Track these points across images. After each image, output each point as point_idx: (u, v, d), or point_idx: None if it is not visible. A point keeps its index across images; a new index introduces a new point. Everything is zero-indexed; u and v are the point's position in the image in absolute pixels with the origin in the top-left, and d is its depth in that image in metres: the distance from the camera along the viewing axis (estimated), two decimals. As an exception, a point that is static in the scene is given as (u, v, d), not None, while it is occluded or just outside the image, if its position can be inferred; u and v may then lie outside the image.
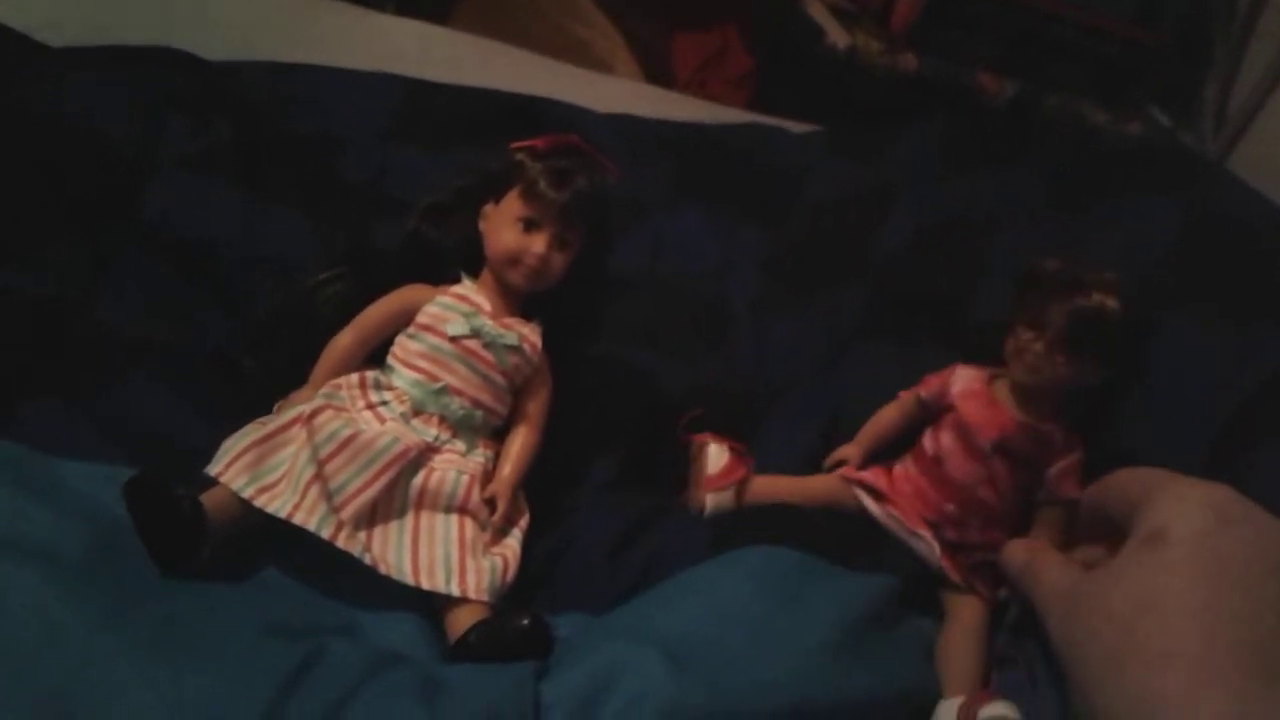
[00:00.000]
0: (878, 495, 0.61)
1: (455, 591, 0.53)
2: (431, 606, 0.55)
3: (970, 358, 0.64)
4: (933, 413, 0.62)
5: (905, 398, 0.64)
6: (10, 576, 0.46)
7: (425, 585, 0.53)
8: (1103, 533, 0.52)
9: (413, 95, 0.79)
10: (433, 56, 0.97)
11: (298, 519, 0.52)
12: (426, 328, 0.59)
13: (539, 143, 0.60)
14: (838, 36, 1.25)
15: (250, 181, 0.67)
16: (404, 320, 0.60)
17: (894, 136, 0.87)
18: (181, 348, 0.60)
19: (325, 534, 0.52)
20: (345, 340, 0.60)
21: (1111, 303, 0.56)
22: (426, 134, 0.76)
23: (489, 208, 0.61)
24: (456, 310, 0.59)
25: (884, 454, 0.64)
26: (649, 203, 0.78)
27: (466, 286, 0.61)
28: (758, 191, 0.83)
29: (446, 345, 0.59)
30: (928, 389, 0.62)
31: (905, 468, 0.62)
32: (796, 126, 0.97)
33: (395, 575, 0.53)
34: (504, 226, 0.60)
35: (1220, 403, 0.63)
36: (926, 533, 0.58)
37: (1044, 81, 1.23)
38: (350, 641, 0.51)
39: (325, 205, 0.68)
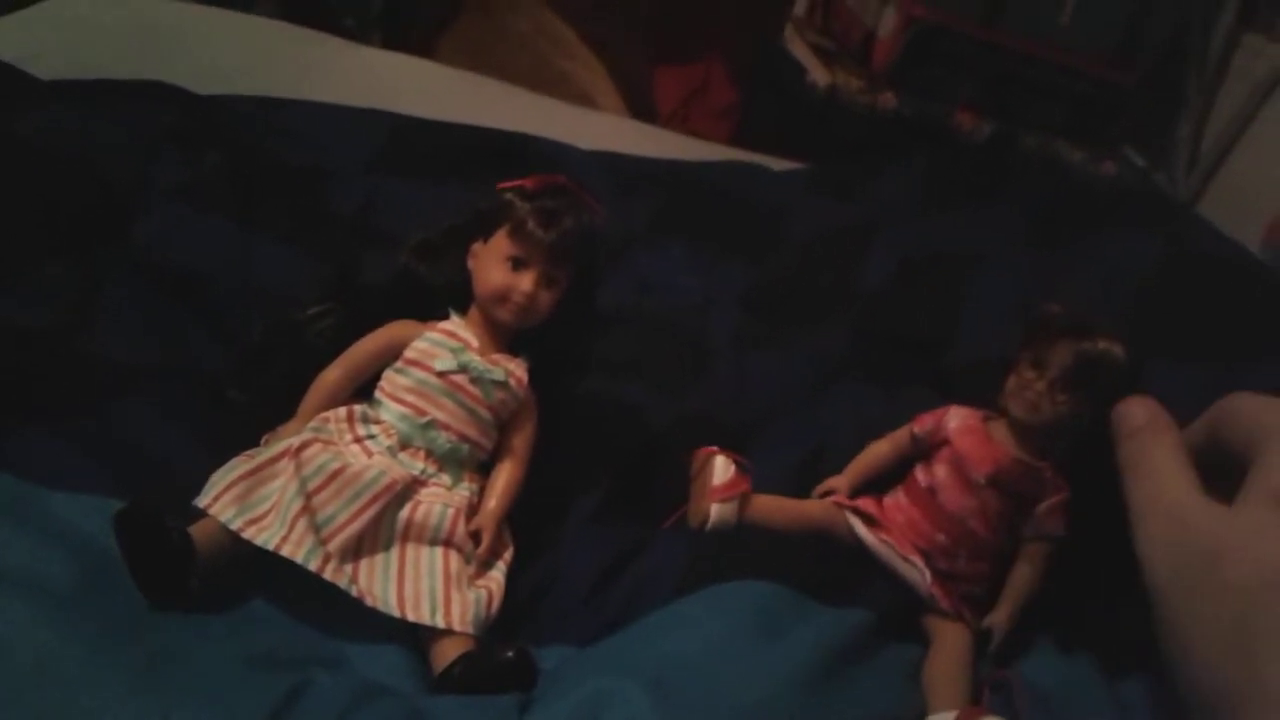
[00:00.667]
0: (870, 521, 0.61)
1: (440, 624, 0.54)
2: (417, 639, 0.55)
3: (953, 398, 0.65)
4: (925, 448, 0.63)
5: (898, 433, 0.64)
6: (3, 610, 0.46)
7: (410, 617, 0.54)
8: (1215, 461, 0.48)
9: (400, 130, 0.80)
10: (418, 90, 0.98)
11: (285, 551, 0.52)
12: (414, 363, 0.60)
13: (527, 183, 0.61)
14: (819, 75, 1.27)
15: (241, 212, 0.67)
16: (392, 355, 0.61)
17: (875, 173, 0.88)
18: (173, 376, 0.60)
19: (313, 566, 0.52)
20: (333, 375, 0.60)
21: (1116, 349, 0.57)
22: (414, 168, 0.76)
23: (478, 246, 0.62)
24: (444, 346, 0.60)
25: (870, 488, 0.65)
26: (633, 239, 0.79)
27: (454, 323, 0.62)
28: (739, 228, 0.83)
29: (434, 380, 0.59)
30: (921, 425, 0.63)
31: (896, 499, 0.63)
32: (777, 163, 0.98)
33: (381, 607, 0.53)
34: (492, 265, 0.60)
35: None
36: (918, 559, 0.59)
37: (1020, 120, 1.25)
38: (337, 673, 0.51)
39: (315, 236, 0.68)
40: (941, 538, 0.60)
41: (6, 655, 0.44)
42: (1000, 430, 0.61)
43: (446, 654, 0.53)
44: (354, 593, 0.53)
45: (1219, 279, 0.72)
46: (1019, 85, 1.26)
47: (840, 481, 0.64)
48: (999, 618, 0.59)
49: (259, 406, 0.60)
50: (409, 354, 0.60)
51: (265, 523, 0.53)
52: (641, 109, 1.50)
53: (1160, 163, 1.28)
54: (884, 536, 0.60)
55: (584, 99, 1.37)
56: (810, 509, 0.63)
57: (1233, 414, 0.48)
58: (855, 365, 0.73)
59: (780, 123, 1.40)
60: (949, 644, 0.58)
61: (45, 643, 0.45)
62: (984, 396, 0.64)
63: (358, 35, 1.40)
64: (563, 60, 1.41)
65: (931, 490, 0.61)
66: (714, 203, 0.85)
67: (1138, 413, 0.52)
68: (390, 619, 0.53)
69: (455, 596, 0.55)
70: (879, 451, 0.65)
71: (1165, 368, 0.63)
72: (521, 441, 0.62)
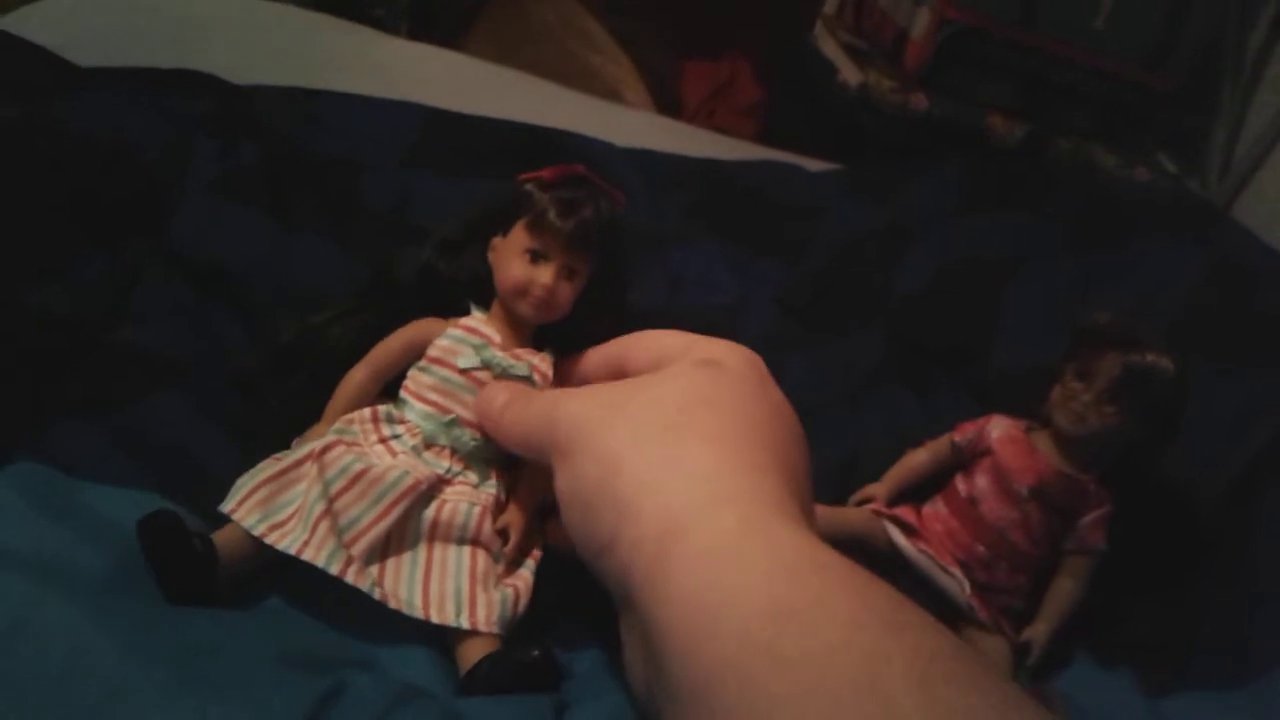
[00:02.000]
0: (909, 531, 0.61)
1: (465, 624, 0.53)
2: (445, 640, 0.54)
3: (990, 406, 0.64)
4: (965, 458, 0.62)
5: (938, 441, 0.64)
6: (36, 599, 0.45)
7: (435, 619, 0.53)
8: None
9: (434, 123, 0.79)
10: (448, 82, 0.97)
11: (307, 555, 0.52)
12: (437, 360, 0.59)
13: (545, 173, 0.60)
14: (850, 74, 1.26)
15: (277, 207, 0.67)
16: (416, 354, 0.60)
17: (911, 177, 0.87)
18: (209, 371, 0.59)
19: (334, 570, 0.52)
20: (359, 375, 0.59)
21: (1165, 363, 0.56)
22: (448, 162, 0.76)
23: (498, 240, 0.61)
24: (467, 343, 0.59)
25: (907, 497, 0.64)
26: (667, 237, 0.78)
27: (476, 319, 0.61)
28: (774, 228, 0.83)
29: (457, 377, 0.58)
30: (962, 434, 0.63)
31: (935, 508, 0.62)
32: (812, 164, 0.97)
33: (405, 610, 0.53)
34: (512, 258, 0.59)
35: (1237, 451, 0.64)
36: (957, 570, 0.59)
37: (1053, 124, 1.24)
38: (370, 675, 0.50)
39: (350, 231, 0.67)
40: (981, 549, 0.59)
41: (44, 648, 0.44)
42: (1044, 441, 0.60)
43: (473, 654, 0.52)
44: (377, 595, 0.52)
45: (1262, 288, 0.71)
46: (1052, 88, 1.25)
47: (879, 489, 0.64)
48: (1038, 631, 0.58)
49: (290, 407, 0.59)
50: (432, 352, 0.59)
51: (288, 527, 0.53)
52: (668, 104, 1.49)
53: (1193, 169, 1.27)
54: (922, 546, 0.60)
55: (610, 93, 1.36)
56: (848, 516, 0.62)
57: (638, 340, 0.51)
58: (891, 371, 0.72)
59: (808, 121, 1.39)
60: (988, 657, 0.57)
61: (82, 635, 0.44)
62: (1022, 405, 0.63)
63: (386, 25, 1.39)
64: (589, 54, 1.41)
65: (972, 500, 0.60)
66: (749, 202, 0.85)
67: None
68: (418, 621, 0.53)
69: (481, 596, 0.54)
70: (918, 460, 0.64)
71: (1210, 378, 0.63)
72: None
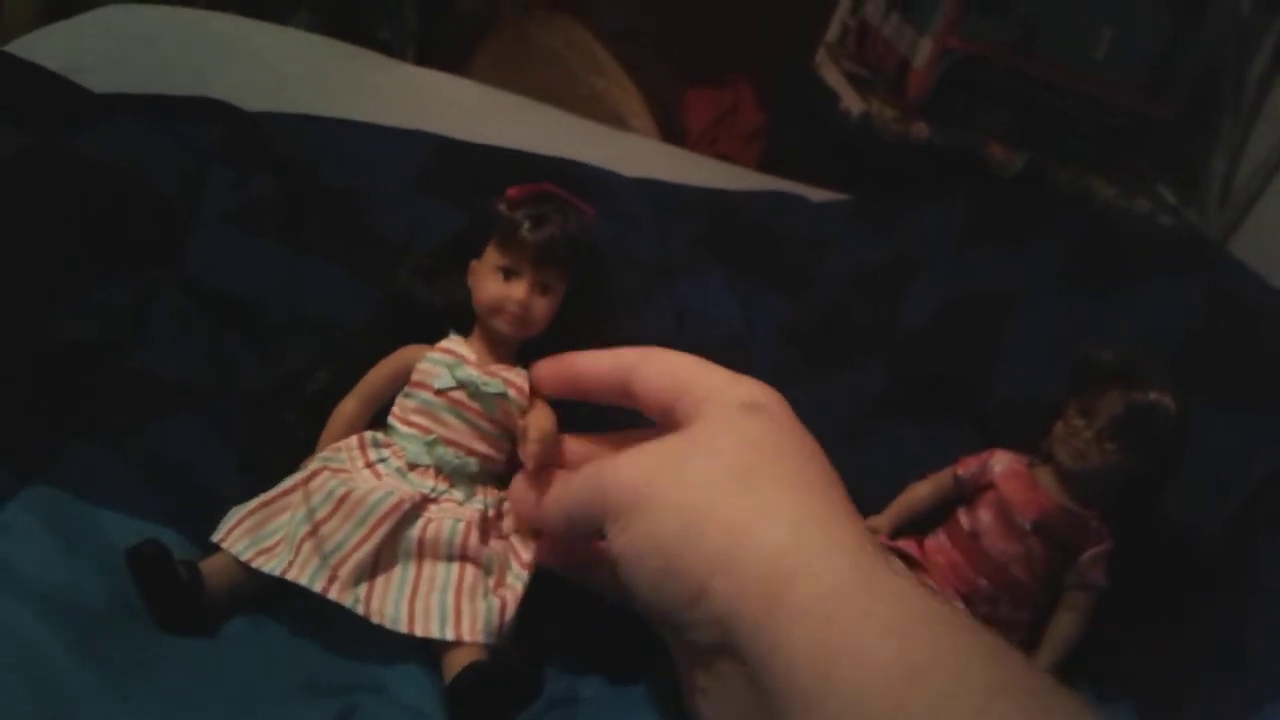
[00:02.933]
0: (912, 564, 0.61)
1: (450, 636, 0.53)
2: (431, 656, 0.55)
3: (991, 440, 0.65)
4: (968, 491, 0.63)
5: (940, 474, 0.64)
6: (40, 630, 0.46)
7: (419, 633, 0.53)
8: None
9: (444, 153, 0.80)
10: (456, 109, 0.98)
11: (291, 575, 0.52)
12: (418, 384, 0.60)
13: (512, 192, 0.61)
14: (852, 102, 1.27)
15: (290, 236, 0.67)
16: (403, 380, 0.61)
17: (915, 209, 0.88)
18: (222, 398, 0.60)
19: (318, 587, 0.53)
20: (349, 405, 0.60)
21: (1167, 400, 0.57)
22: (458, 191, 0.76)
23: (474, 264, 0.62)
24: (443, 364, 0.60)
25: (909, 529, 0.65)
26: (673, 268, 0.79)
27: (453, 340, 0.62)
28: (779, 259, 0.84)
29: (435, 399, 0.59)
30: (965, 468, 0.63)
31: (938, 541, 0.62)
32: (813, 193, 0.98)
33: (389, 625, 0.53)
34: (485, 277, 0.60)
35: (1236, 488, 0.64)
36: (960, 604, 0.59)
37: (1053, 153, 1.25)
38: (378, 699, 0.51)
39: (360, 259, 0.68)
40: (983, 582, 0.60)
41: (47, 678, 0.44)
42: (1046, 476, 0.61)
43: (458, 663, 0.53)
44: (360, 611, 0.53)
45: (1263, 325, 0.71)
46: (1052, 117, 1.26)
47: (881, 521, 0.64)
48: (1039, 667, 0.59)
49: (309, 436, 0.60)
50: (414, 376, 0.60)
51: (275, 551, 0.54)
52: (671, 130, 1.50)
53: (1191, 199, 1.28)
54: (925, 579, 0.60)
55: (615, 118, 1.38)
56: None
57: (647, 361, 0.52)
58: (894, 404, 0.73)
59: (809, 148, 1.40)
60: None
61: (84, 668, 0.45)
62: (1023, 438, 0.64)
63: (392, 48, 1.40)
64: (594, 79, 1.42)
65: (974, 534, 0.61)
66: (754, 233, 0.86)
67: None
68: (415, 641, 0.53)
69: (466, 607, 0.55)
70: (920, 492, 0.65)
71: (1209, 414, 0.63)
72: None
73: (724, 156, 1.16)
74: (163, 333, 0.61)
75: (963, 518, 0.62)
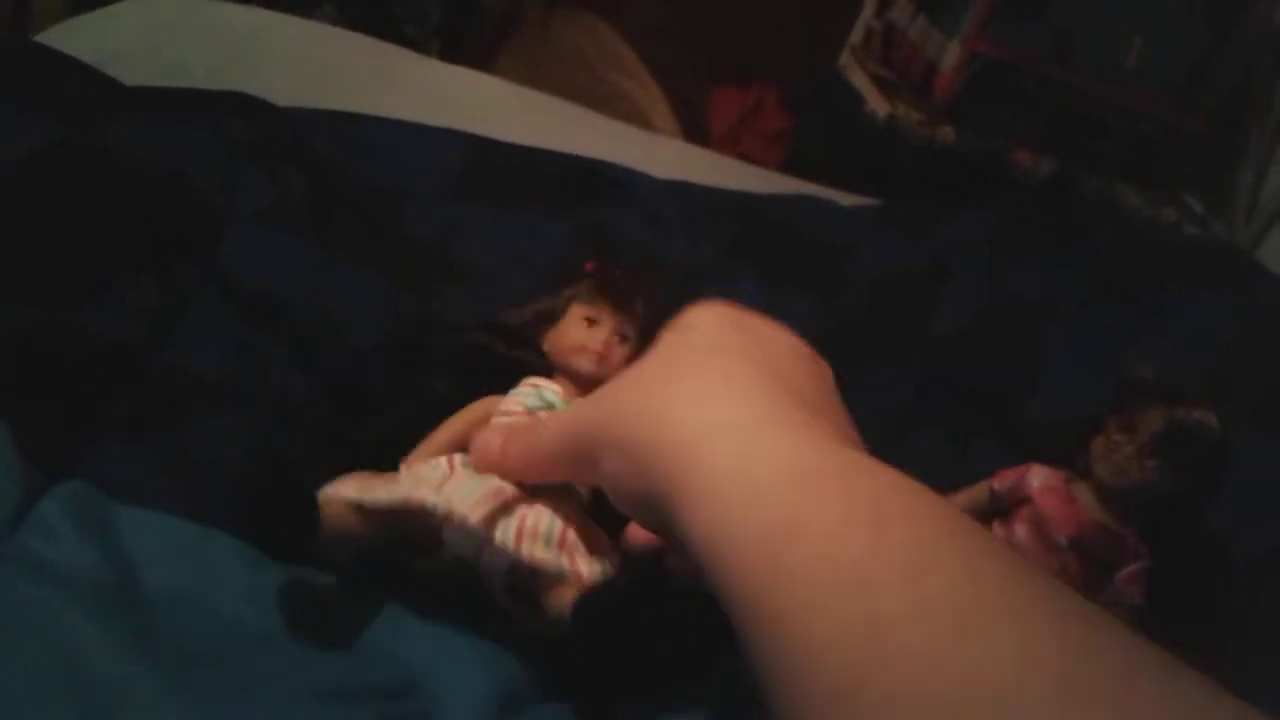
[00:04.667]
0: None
1: (566, 565, 0.52)
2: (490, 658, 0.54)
3: (1026, 454, 0.64)
4: (1004, 505, 0.62)
5: (976, 488, 0.64)
6: (72, 620, 0.46)
7: (530, 555, 0.52)
8: None
9: (477, 153, 0.80)
10: (483, 107, 0.98)
11: (419, 494, 0.52)
12: (503, 412, 0.60)
13: (588, 267, 0.65)
14: (877, 104, 1.27)
15: (322, 236, 0.67)
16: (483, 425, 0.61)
17: (946, 215, 0.87)
18: (253, 397, 0.60)
19: (441, 510, 0.52)
20: (442, 436, 0.60)
21: (1210, 419, 0.57)
22: (490, 193, 0.76)
23: (552, 333, 0.64)
24: (531, 393, 0.61)
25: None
26: (704, 272, 0.79)
27: (534, 379, 0.63)
28: (809, 263, 0.83)
29: (524, 418, 0.59)
30: (1002, 481, 0.63)
31: (972, 556, 0.62)
32: (843, 197, 0.98)
33: (499, 538, 0.52)
34: (568, 327, 0.63)
35: (1271, 509, 0.63)
36: None
37: (1080, 161, 1.25)
38: (410, 703, 0.50)
39: (395, 263, 0.68)
40: (1018, 598, 0.59)
41: (84, 675, 0.44)
42: (1084, 493, 0.60)
43: (568, 595, 0.52)
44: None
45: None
46: (1080, 124, 1.25)
47: (915, 534, 0.64)
48: None
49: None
50: (500, 408, 0.60)
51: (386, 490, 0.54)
52: (695, 129, 1.50)
53: (1218, 211, 1.27)
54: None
55: (639, 118, 1.37)
56: None
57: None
58: (926, 415, 0.72)
59: (833, 150, 1.40)
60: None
61: (121, 665, 0.45)
62: (1059, 453, 0.63)
63: (417, 43, 1.40)
64: (619, 78, 1.41)
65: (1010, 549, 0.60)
66: (783, 236, 0.85)
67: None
68: (461, 644, 0.53)
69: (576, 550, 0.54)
70: (956, 505, 0.64)
71: (1248, 433, 0.63)
72: None
73: (747, 157, 1.16)
74: (195, 331, 0.61)
75: (998, 532, 0.61)
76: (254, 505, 0.54)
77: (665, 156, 0.97)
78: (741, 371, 0.42)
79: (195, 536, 0.53)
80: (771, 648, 0.32)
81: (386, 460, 0.56)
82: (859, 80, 1.36)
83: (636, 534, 0.56)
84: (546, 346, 0.64)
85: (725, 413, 0.40)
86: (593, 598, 0.51)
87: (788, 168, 1.23)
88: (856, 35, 1.48)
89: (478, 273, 0.69)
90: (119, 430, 0.56)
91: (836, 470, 0.36)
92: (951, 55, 1.24)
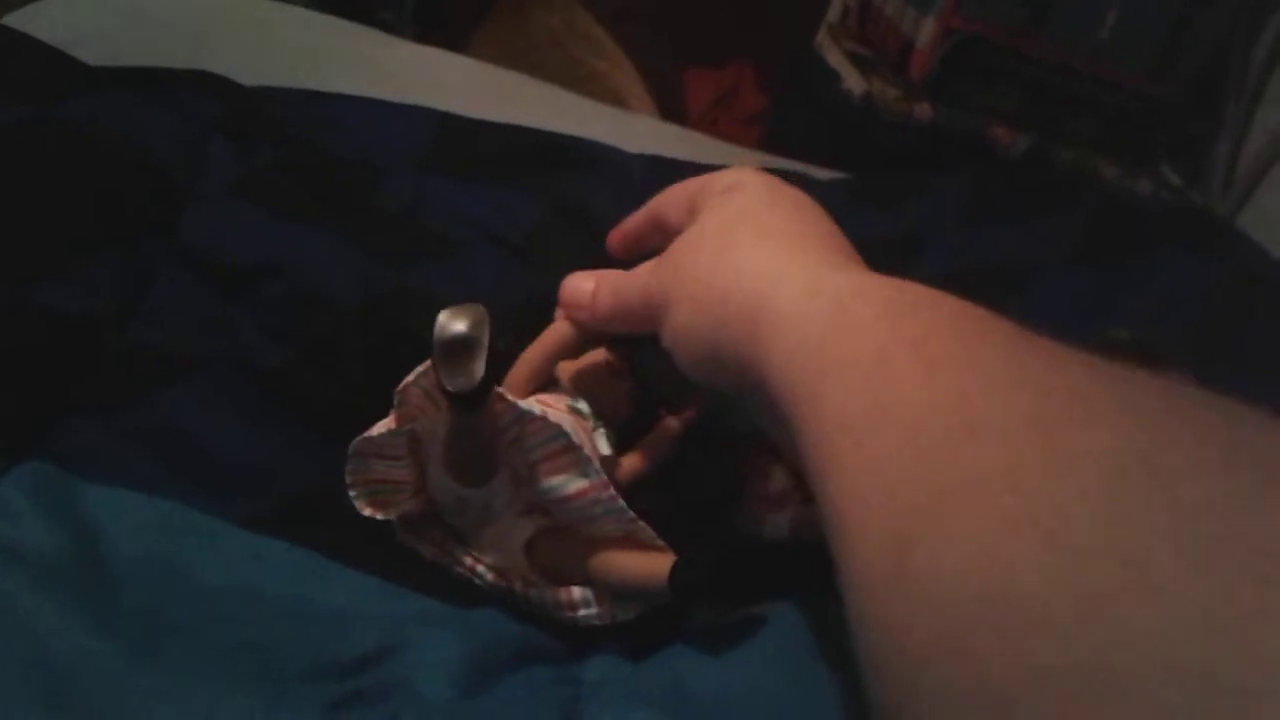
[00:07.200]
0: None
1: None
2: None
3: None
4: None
5: None
6: (37, 603, 0.45)
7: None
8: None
9: (447, 129, 0.79)
10: (457, 87, 0.97)
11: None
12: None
13: None
14: (854, 82, 1.26)
15: (292, 209, 0.66)
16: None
17: (920, 186, 0.87)
18: (223, 368, 0.59)
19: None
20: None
21: (1187, 379, 0.56)
22: (460, 167, 0.76)
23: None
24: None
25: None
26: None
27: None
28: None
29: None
30: None
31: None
32: (818, 172, 0.97)
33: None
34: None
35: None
36: None
37: (1058, 134, 1.24)
38: (382, 674, 0.50)
39: (364, 234, 0.67)
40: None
41: (45, 655, 0.44)
42: None
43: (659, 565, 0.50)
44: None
45: (1270, 302, 0.71)
46: (1056, 97, 1.25)
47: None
48: None
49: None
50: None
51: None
52: (671, 111, 1.49)
53: (1195, 181, 1.27)
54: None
55: (614, 99, 1.36)
56: None
57: (667, 193, 0.58)
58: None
59: (810, 129, 1.39)
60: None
61: (85, 641, 0.45)
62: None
63: (393, 28, 1.39)
64: (594, 59, 1.41)
65: None
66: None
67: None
68: (447, 611, 0.52)
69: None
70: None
71: (1226, 393, 0.63)
72: None
73: (724, 139, 1.15)
74: (162, 306, 0.60)
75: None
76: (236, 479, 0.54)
77: (641, 134, 0.96)
78: (790, 225, 0.49)
79: (162, 511, 0.53)
80: (872, 446, 0.34)
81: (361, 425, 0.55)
82: (835, 59, 1.35)
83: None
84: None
85: (786, 258, 0.45)
86: (690, 569, 0.49)
87: (766, 148, 1.22)
88: (833, 13, 1.48)
89: (448, 244, 0.69)
90: (83, 407, 0.55)
91: (889, 288, 0.41)
92: (927, 31, 1.23)
